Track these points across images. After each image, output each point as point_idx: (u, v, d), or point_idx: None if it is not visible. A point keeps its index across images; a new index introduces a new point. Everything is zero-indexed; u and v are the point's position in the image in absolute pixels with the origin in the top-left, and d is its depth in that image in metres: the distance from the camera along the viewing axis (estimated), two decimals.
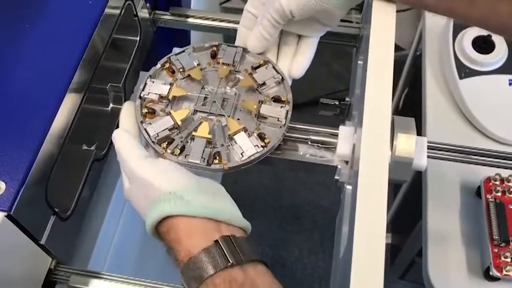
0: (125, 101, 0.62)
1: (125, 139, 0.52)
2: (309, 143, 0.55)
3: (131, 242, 0.80)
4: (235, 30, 0.68)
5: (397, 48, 1.62)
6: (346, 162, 0.54)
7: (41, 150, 0.46)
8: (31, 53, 0.52)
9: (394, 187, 1.30)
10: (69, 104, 0.50)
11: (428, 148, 0.55)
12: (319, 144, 0.55)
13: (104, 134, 0.59)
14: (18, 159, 0.45)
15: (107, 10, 0.56)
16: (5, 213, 0.42)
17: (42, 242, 0.48)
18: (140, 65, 0.67)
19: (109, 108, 0.62)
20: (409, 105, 1.34)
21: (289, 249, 1.50)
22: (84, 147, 0.56)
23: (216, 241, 0.44)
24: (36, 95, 0.49)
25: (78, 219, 0.55)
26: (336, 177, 0.54)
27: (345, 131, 0.53)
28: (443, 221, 0.79)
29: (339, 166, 0.54)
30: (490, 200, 0.74)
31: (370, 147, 0.45)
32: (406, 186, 1.14)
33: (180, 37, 0.76)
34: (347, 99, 0.61)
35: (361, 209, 0.42)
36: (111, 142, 0.59)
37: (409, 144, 0.50)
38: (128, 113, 0.55)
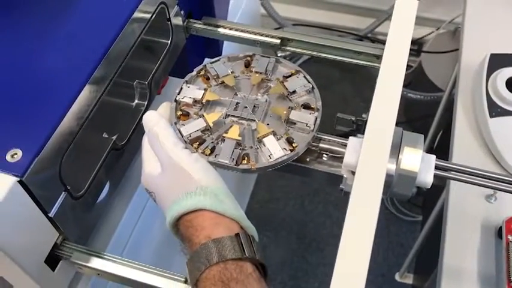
0: (149, 98, 0.64)
1: (165, 125, 0.54)
2: (318, 151, 0.56)
3: (150, 238, 0.82)
4: (263, 43, 0.71)
5: (435, 89, 1.62)
6: (353, 173, 0.54)
7: (59, 126, 0.49)
8: (63, 39, 0.56)
9: (421, 227, 1.27)
10: (91, 90, 0.53)
11: (448, 170, 0.54)
12: (328, 153, 0.56)
13: (126, 127, 0.62)
14: (37, 131, 0.48)
15: (139, 11, 0.59)
16: (18, 179, 0.45)
17: (51, 215, 0.50)
18: (169, 67, 0.70)
19: (134, 103, 0.65)
20: (444, 147, 1.32)
21: (310, 281, 1.48)
22: (105, 135, 0.59)
23: (237, 234, 0.47)
24: (63, 77, 0.53)
25: (91, 201, 0.58)
26: (341, 186, 0.54)
27: (354, 142, 0.54)
28: (461, 259, 0.77)
29: (345, 175, 0.54)
30: (511, 240, 0.72)
31: (369, 155, 0.45)
32: (428, 227, 1.11)
33: (212, 47, 0.79)
34: (363, 115, 0.62)
35: (351, 212, 0.42)
36: (132, 135, 0.62)
37: (414, 159, 0.51)
38: (164, 109, 0.58)
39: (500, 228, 0.75)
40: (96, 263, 0.53)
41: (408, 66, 1.72)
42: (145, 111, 0.64)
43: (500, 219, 0.75)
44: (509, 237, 0.73)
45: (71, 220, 0.54)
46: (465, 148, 0.88)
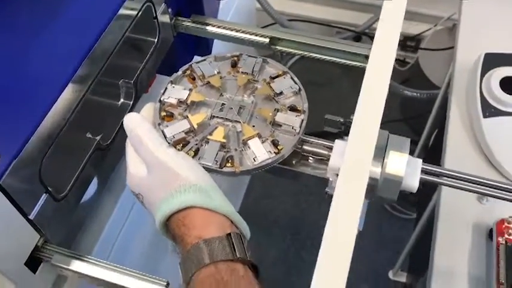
0: (135, 97, 0.64)
1: (148, 126, 0.53)
2: (302, 153, 0.55)
3: (138, 239, 0.81)
4: (252, 42, 0.70)
5: (432, 86, 1.60)
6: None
7: (39, 127, 0.48)
8: (45, 37, 0.55)
9: (415, 224, 1.27)
10: (74, 90, 0.52)
11: (438, 175, 0.54)
12: (312, 155, 0.55)
13: (111, 127, 0.61)
14: (16, 133, 0.47)
15: (124, 8, 0.58)
16: None
17: (31, 217, 0.50)
18: (157, 66, 0.69)
19: (119, 102, 0.64)
20: (439, 146, 1.31)
21: (304, 278, 1.47)
22: (89, 135, 0.58)
23: (229, 234, 0.46)
24: (43, 77, 0.52)
25: (74, 202, 0.57)
26: (327, 189, 0.53)
27: (339, 145, 0.53)
28: (452, 260, 0.76)
29: (330, 179, 0.54)
30: (501, 242, 0.72)
31: (352, 158, 0.45)
32: (421, 226, 1.11)
33: (202, 46, 0.78)
34: (352, 116, 0.61)
35: (333, 217, 0.42)
36: (117, 134, 0.61)
37: (399, 163, 0.50)
38: (147, 111, 0.57)
39: (491, 230, 0.74)
40: (76, 265, 0.52)
41: (405, 63, 1.71)
42: (130, 111, 0.63)
43: (492, 221, 0.75)
44: (500, 239, 0.72)
45: (54, 222, 0.53)
46: (458, 149, 0.87)
